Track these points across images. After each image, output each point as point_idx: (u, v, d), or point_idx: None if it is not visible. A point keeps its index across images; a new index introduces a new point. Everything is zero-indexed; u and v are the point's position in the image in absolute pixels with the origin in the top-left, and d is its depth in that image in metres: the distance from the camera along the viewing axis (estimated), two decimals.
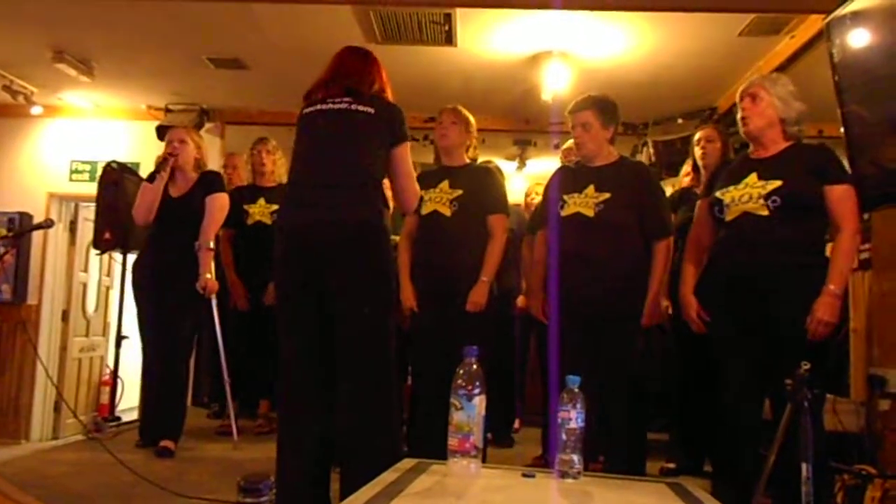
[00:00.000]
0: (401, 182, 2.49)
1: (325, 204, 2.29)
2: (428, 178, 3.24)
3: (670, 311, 3.21)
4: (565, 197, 2.90)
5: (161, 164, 3.49)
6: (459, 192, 3.13)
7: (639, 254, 2.87)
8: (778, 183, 2.40)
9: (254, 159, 4.21)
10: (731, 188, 2.51)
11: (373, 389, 2.26)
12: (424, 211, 3.18)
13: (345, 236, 2.26)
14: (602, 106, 2.91)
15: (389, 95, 2.53)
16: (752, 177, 2.48)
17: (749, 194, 2.45)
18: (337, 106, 2.37)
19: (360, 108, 2.35)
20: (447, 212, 3.14)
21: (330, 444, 2.31)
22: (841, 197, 2.39)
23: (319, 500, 2.31)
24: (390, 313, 2.40)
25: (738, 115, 2.57)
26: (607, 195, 2.82)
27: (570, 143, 3.78)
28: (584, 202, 2.85)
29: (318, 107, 2.40)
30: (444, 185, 3.17)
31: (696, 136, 3.55)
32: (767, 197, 2.40)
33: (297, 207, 2.37)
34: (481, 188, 3.16)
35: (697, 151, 3.48)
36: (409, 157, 2.47)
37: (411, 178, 2.51)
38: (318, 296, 2.29)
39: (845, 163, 2.55)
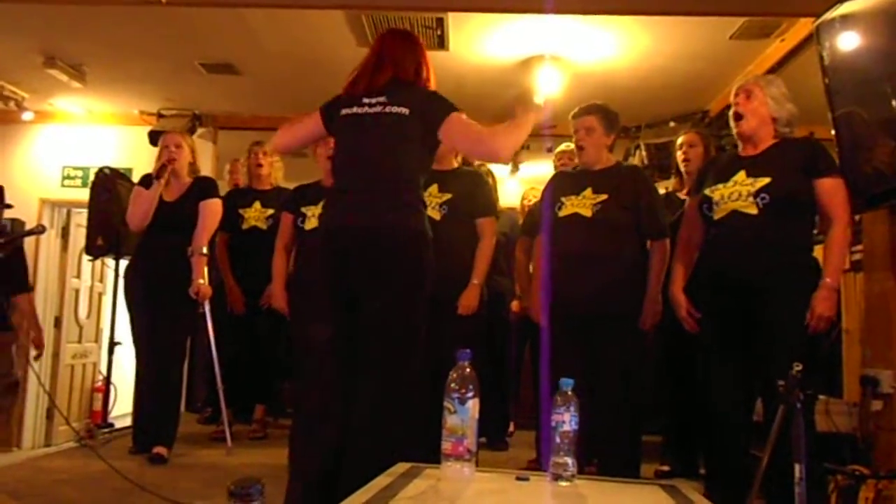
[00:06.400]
0: (466, 150, 2.43)
1: (358, 209, 2.27)
2: None
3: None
4: (562, 198, 2.93)
5: (160, 170, 3.48)
6: (448, 195, 3.15)
7: (635, 254, 2.90)
8: (766, 180, 2.41)
9: (250, 161, 4.22)
10: (720, 186, 2.51)
11: (393, 393, 2.23)
12: None
13: (376, 239, 2.24)
14: (606, 113, 3.00)
15: (432, 81, 2.45)
16: (741, 174, 2.48)
17: (738, 192, 2.45)
18: (373, 109, 2.33)
19: (394, 109, 2.30)
20: (436, 216, 3.14)
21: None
22: (831, 190, 2.39)
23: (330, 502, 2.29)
24: (421, 318, 2.32)
25: (732, 112, 2.57)
26: (605, 196, 2.85)
27: (563, 146, 3.79)
28: (582, 203, 2.87)
29: (355, 109, 2.35)
30: (433, 189, 3.17)
31: (679, 141, 3.55)
32: (756, 194, 2.40)
33: (334, 212, 2.37)
34: (470, 191, 3.17)
35: (679, 156, 3.49)
36: (462, 124, 2.30)
37: (471, 140, 2.33)
38: (348, 298, 2.26)
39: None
